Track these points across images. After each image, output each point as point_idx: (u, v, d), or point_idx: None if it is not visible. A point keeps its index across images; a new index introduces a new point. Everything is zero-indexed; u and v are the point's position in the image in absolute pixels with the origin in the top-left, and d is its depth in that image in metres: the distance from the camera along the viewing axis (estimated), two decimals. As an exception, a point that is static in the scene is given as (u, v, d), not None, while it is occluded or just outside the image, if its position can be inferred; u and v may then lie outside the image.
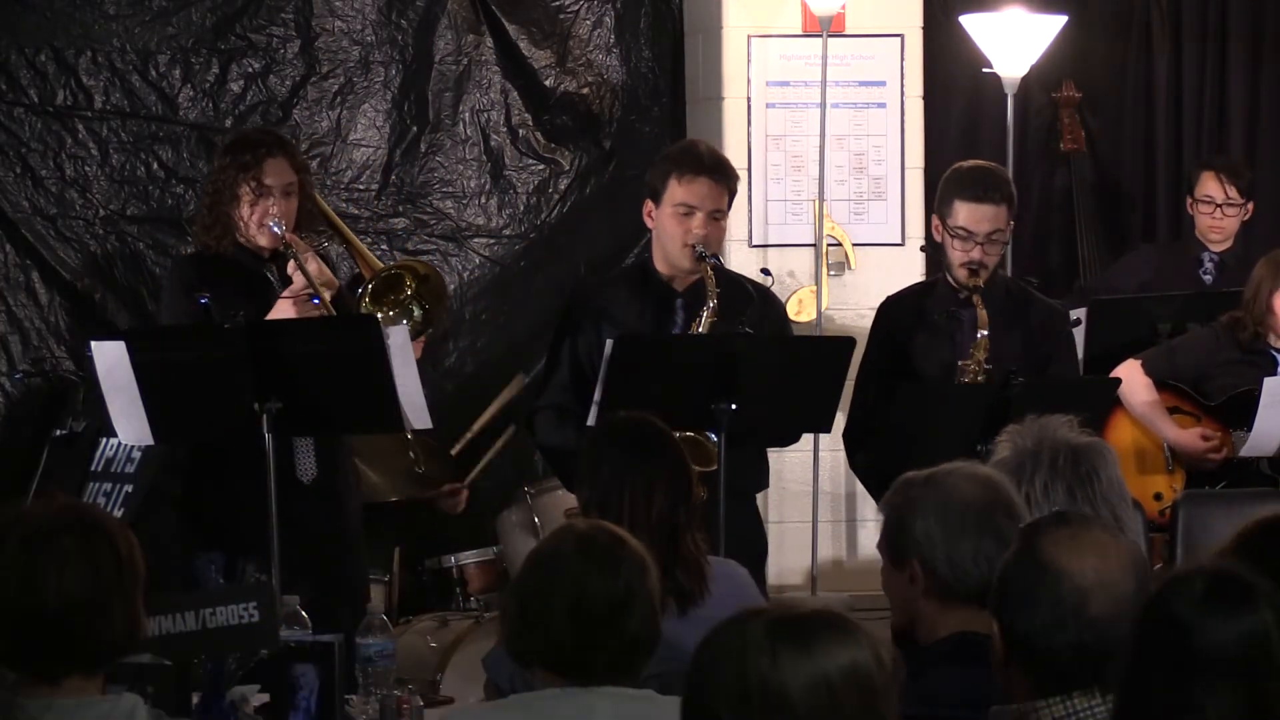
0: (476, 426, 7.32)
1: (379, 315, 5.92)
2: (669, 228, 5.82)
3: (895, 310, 6.29)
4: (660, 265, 5.87)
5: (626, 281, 6.04)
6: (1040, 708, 3.13)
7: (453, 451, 7.16)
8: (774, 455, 7.49)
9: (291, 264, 5.87)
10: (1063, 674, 3.17)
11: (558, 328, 6.03)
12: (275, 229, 5.88)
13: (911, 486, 3.81)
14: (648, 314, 5.84)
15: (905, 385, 5.91)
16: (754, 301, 5.89)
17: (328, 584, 5.77)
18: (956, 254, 6.05)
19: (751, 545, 5.82)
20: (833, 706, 2.56)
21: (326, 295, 5.85)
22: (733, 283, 5.87)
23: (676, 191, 5.82)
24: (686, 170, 5.86)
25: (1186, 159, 8.43)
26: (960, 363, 6.03)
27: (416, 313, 6.02)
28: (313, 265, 5.86)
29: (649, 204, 5.85)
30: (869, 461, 6.11)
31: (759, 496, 6.52)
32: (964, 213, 6.05)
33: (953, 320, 6.09)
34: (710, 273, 5.74)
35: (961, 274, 6.06)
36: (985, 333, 6.00)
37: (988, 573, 3.62)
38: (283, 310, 5.91)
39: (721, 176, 5.88)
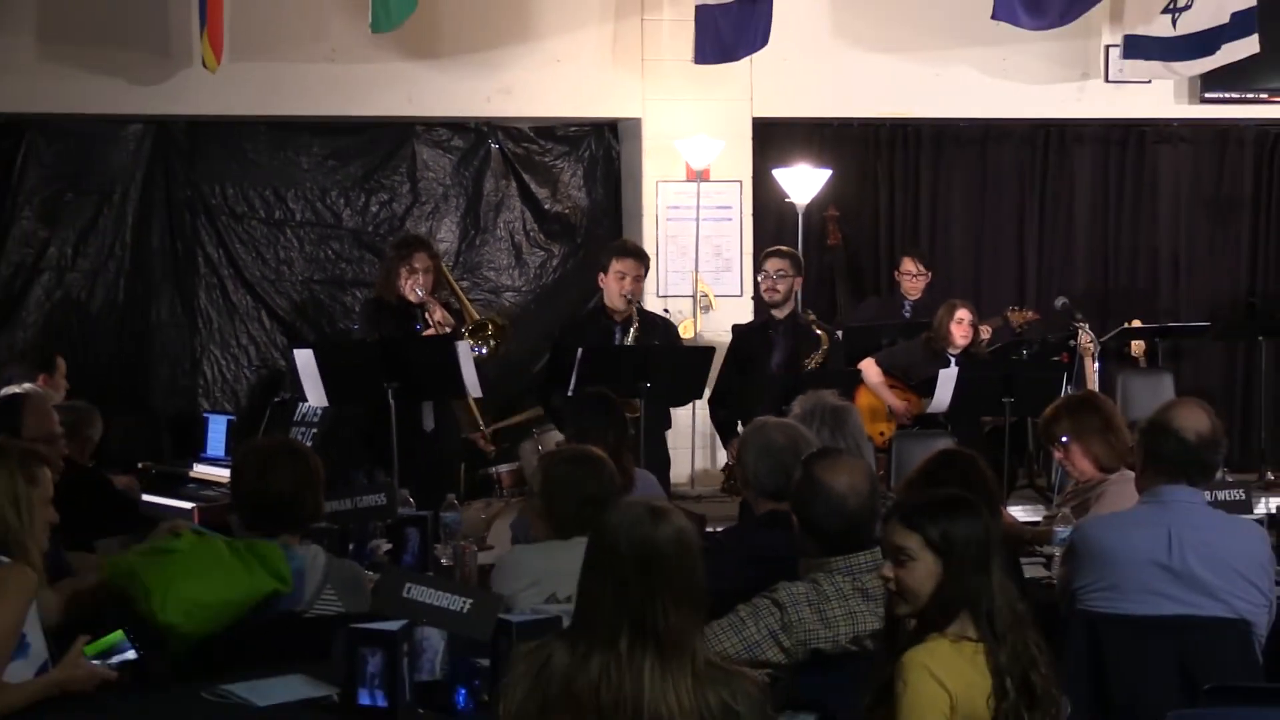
0: (515, 419, 8.71)
1: (470, 342, 7.05)
2: (612, 286, 7.41)
3: (743, 332, 7.97)
4: (608, 308, 7.46)
5: (592, 317, 7.70)
6: (831, 561, 3.61)
7: (488, 428, 8.38)
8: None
9: (428, 314, 7.29)
10: (834, 541, 3.68)
11: (555, 344, 7.59)
12: (419, 291, 7.35)
13: (754, 429, 4.39)
14: (604, 333, 7.43)
15: (749, 377, 7.58)
16: (659, 327, 7.66)
17: (434, 483, 6.65)
18: (765, 290, 7.64)
19: (661, 463, 7.46)
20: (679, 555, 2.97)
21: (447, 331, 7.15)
22: (648, 315, 7.63)
23: (616, 266, 7.41)
24: (621, 255, 7.44)
25: (896, 250, 10.11)
26: (807, 360, 7.51)
27: (493, 343, 7.48)
28: (438, 314, 7.33)
29: (601, 274, 7.49)
30: (726, 416, 7.92)
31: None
32: (766, 264, 7.73)
33: (778, 337, 7.75)
34: (635, 312, 7.43)
35: (767, 296, 7.58)
36: (826, 347, 7.46)
37: (771, 484, 4.21)
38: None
39: (640, 258, 7.51)
